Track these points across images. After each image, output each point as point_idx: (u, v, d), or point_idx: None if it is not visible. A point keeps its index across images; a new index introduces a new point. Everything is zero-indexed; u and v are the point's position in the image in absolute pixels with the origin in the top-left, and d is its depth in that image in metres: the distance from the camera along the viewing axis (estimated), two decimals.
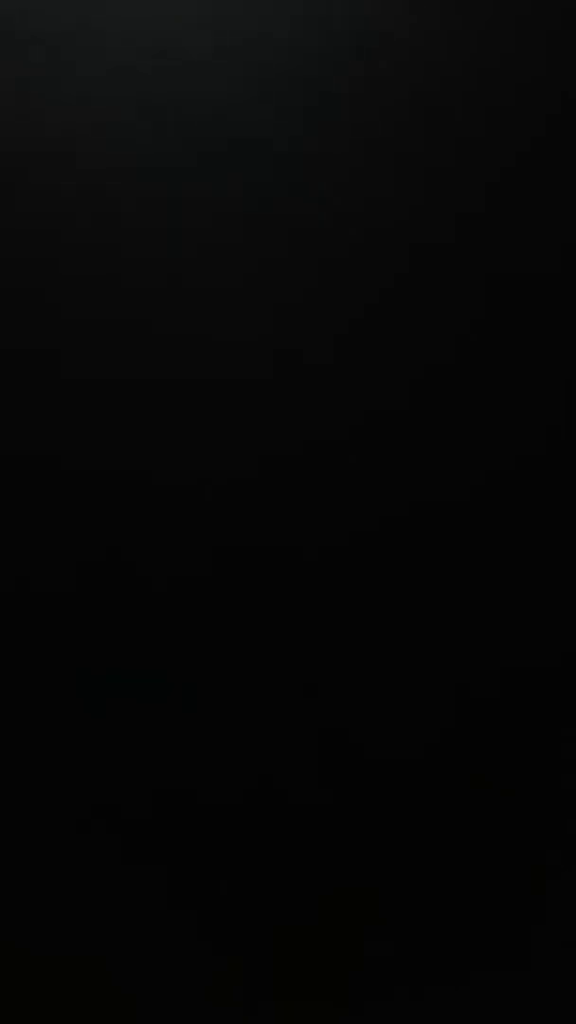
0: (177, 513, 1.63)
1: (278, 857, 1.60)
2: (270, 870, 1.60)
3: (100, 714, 1.61)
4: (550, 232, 1.64)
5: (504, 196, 1.64)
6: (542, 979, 1.58)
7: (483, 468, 1.62)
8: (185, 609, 1.62)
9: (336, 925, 1.58)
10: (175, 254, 1.63)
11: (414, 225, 1.63)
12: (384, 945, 1.59)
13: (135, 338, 1.64)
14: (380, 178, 1.63)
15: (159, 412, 1.63)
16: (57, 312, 1.63)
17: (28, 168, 1.64)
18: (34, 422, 1.63)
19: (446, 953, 1.59)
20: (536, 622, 1.62)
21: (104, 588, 1.62)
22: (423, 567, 1.62)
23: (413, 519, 1.62)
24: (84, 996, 1.57)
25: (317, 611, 1.62)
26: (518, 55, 1.63)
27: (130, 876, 1.60)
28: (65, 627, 1.62)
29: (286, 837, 1.60)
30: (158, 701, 1.61)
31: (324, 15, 1.63)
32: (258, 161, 1.63)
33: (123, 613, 1.62)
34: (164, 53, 1.57)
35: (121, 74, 1.64)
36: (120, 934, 1.58)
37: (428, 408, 1.63)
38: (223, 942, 1.59)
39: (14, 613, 1.62)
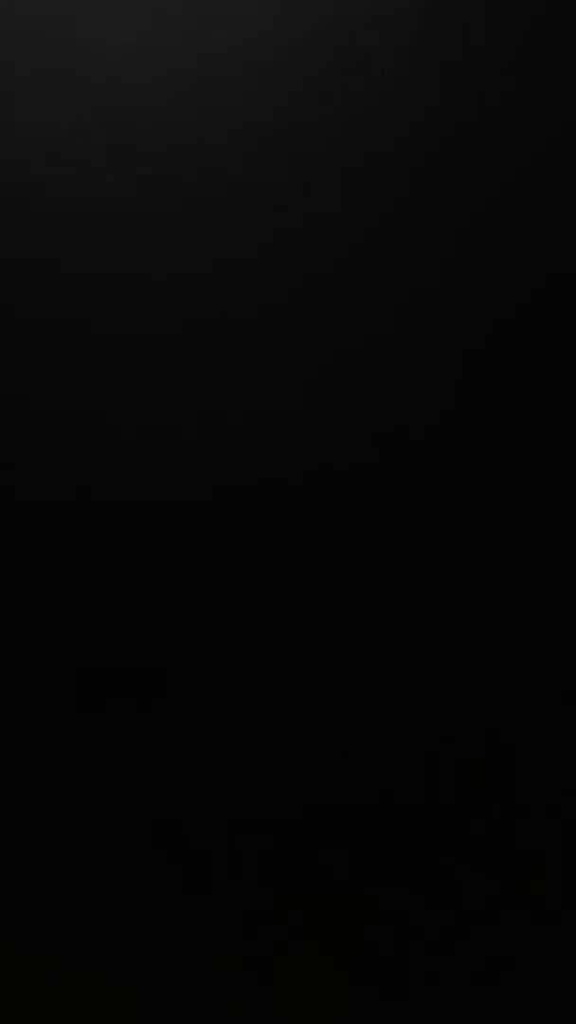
0: (181, 538, 1.63)
1: (278, 858, 1.60)
2: (270, 871, 1.60)
3: (100, 716, 1.60)
4: (552, 247, 1.65)
5: (505, 212, 1.65)
6: (541, 979, 1.59)
7: (488, 492, 1.63)
8: (186, 616, 1.62)
9: (336, 925, 1.58)
10: (174, 291, 1.64)
11: (414, 247, 1.64)
12: (383, 946, 1.58)
13: (140, 373, 1.64)
14: (379, 205, 1.64)
15: (161, 443, 1.64)
16: (42, 352, 1.64)
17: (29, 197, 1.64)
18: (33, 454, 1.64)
19: (445, 952, 1.59)
20: (536, 639, 1.62)
21: (106, 610, 1.62)
22: (426, 587, 1.63)
23: (410, 544, 1.63)
24: (84, 996, 1.56)
25: (317, 622, 1.62)
26: (517, 71, 1.65)
27: (130, 877, 1.59)
28: (74, 637, 1.62)
29: (286, 838, 1.60)
30: (159, 704, 1.61)
31: (323, 36, 1.64)
32: (257, 191, 1.64)
33: (124, 618, 1.62)
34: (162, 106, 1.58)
35: (115, 108, 1.65)
36: (120, 934, 1.58)
37: (430, 434, 1.64)
38: (223, 942, 1.59)
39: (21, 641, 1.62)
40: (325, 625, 1.62)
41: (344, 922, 1.58)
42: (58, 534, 1.63)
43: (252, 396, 1.63)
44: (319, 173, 1.64)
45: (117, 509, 1.63)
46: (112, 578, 1.63)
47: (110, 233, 1.64)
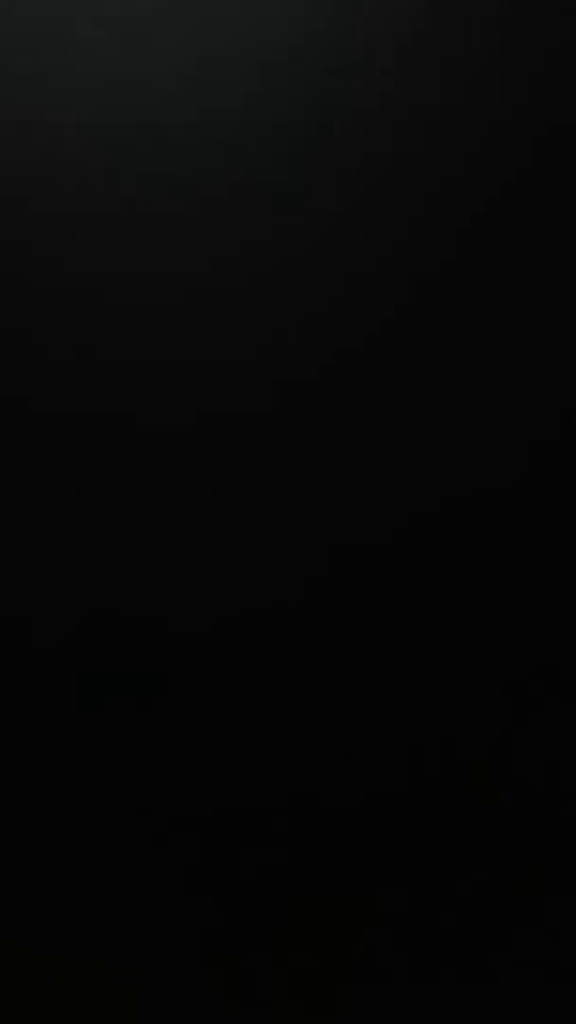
0: (175, 535, 1.63)
1: (278, 857, 1.60)
2: (270, 871, 1.60)
3: (100, 716, 1.61)
4: (552, 247, 1.65)
5: (505, 212, 1.65)
6: (541, 979, 1.59)
7: (484, 492, 1.63)
8: (186, 616, 1.62)
9: (335, 927, 1.58)
10: (176, 288, 1.64)
11: (413, 243, 1.64)
12: (383, 946, 1.59)
13: (140, 373, 1.64)
14: (379, 205, 1.65)
15: (162, 442, 1.64)
16: (42, 350, 1.64)
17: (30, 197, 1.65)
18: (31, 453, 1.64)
19: (445, 952, 1.59)
20: (536, 633, 1.63)
21: (102, 609, 1.62)
22: (426, 587, 1.63)
23: (410, 545, 1.63)
24: (84, 996, 1.56)
25: (318, 623, 1.62)
26: (517, 71, 1.65)
27: (130, 876, 1.59)
28: (69, 638, 1.62)
29: (286, 838, 1.60)
30: (159, 704, 1.61)
31: (323, 36, 1.64)
32: (256, 190, 1.64)
33: (124, 618, 1.62)
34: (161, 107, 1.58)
35: (115, 108, 1.65)
36: (120, 934, 1.58)
37: (429, 433, 1.64)
38: (223, 942, 1.59)
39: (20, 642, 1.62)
40: (325, 625, 1.62)
41: (344, 922, 1.58)
42: (58, 534, 1.63)
43: (252, 396, 1.64)
44: (319, 173, 1.64)
45: (117, 509, 1.63)
46: (112, 578, 1.63)
47: (110, 233, 1.64)
